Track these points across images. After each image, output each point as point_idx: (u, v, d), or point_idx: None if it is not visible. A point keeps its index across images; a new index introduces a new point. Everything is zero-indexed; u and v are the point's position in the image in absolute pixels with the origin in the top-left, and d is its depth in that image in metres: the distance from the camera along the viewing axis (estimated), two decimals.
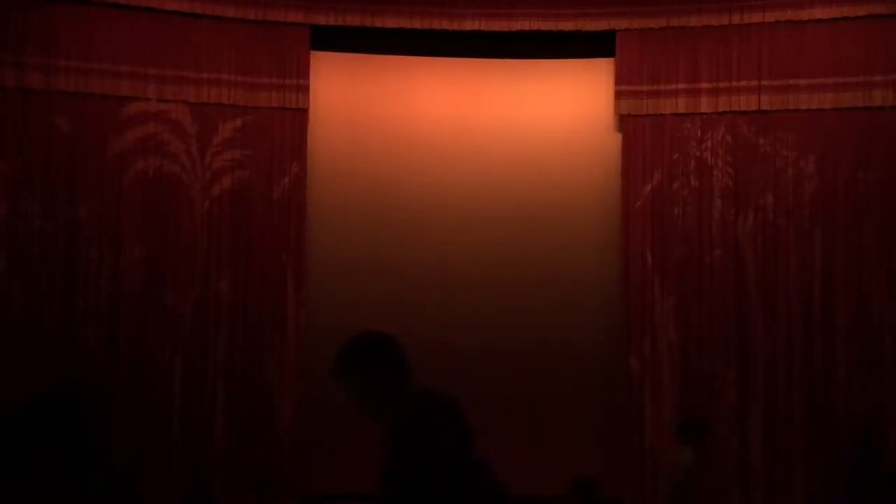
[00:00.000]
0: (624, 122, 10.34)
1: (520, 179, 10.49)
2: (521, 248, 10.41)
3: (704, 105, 10.18)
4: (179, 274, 9.89)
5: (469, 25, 10.30)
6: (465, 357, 10.09)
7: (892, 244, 9.71)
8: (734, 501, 9.75)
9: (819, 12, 9.92)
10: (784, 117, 10.02)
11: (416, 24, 10.28)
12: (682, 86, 10.22)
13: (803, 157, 9.99)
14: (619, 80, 10.31)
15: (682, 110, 10.23)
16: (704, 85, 10.18)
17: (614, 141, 10.44)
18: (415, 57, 10.57)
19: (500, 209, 10.44)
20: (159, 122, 9.96)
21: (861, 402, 9.63)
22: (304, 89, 10.23)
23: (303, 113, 10.26)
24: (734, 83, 10.11)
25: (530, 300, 10.33)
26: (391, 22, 10.28)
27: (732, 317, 9.96)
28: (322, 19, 10.22)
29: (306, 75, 10.25)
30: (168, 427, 9.66)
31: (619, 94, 10.30)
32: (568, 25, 10.29)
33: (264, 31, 10.18)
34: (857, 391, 9.65)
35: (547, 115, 10.60)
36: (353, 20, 10.25)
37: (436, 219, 10.42)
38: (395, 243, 10.36)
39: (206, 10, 10.03)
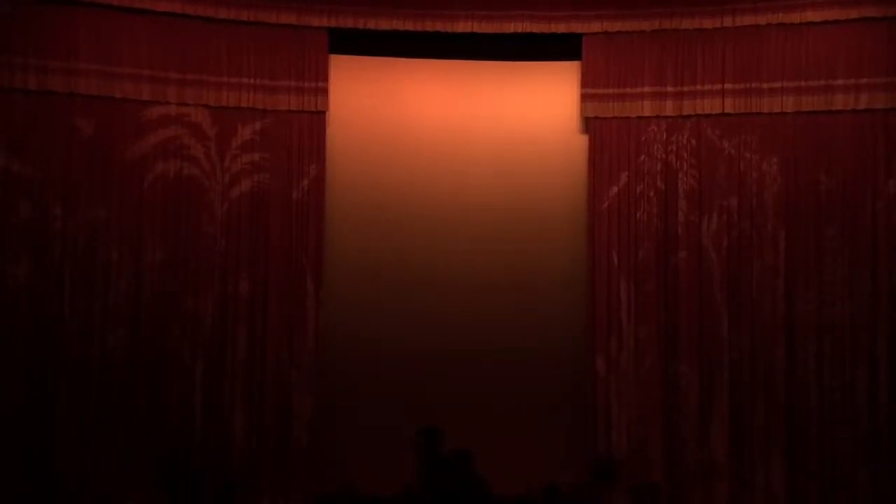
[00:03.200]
0: (590, 124, 10.44)
1: (491, 182, 10.64)
2: (492, 250, 10.56)
3: (669, 108, 10.29)
4: (199, 276, 10.07)
5: (461, 27, 10.42)
6: (434, 357, 10.32)
7: (853, 246, 9.84)
8: (698, 499, 9.88)
9: (781, 17, 9.99)
10: (747, 120, 10.13)
11: (410, 25, 10.40)
12: (647, 89, 10.34)
13: (766, 159, 10.12)
14: (585, 83, 10.42)
15: (647, 113, 10.34)
16: (669, 88, 10.29)
17: (581, 143, 10.53)
18: (421, 59, 10.71)
19: (481, 212, 10.61)
20: (179, 126, 10.13)
21: (823, 401, 9.78)
22: (323, 92, 10.35)
23: (321, 115, 10.38)
24: (698, 87, 10.22)
25: (497, 301, 10.49)
26: (384, 24, 10.39)
27: (697, 317, 10.09)
28: (315, 21, 10.31)
29: (325, 78, 10.36)
30: (189, 428, 9.86)
31: (584, 97, 10.42)
32: (560, 28, 10.41)
33: (283, 34, 10.31)
34: (819, 389, 9.79)
35: (518, 117, 10.73)
36: (346, 22, 10.34)
37: (437, 221, 10.60)
38: (396, 245, 10.53)
39: (226, 14, 10.19)
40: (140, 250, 9.89)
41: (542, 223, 10.59)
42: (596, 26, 10.35)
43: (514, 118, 10.71)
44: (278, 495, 9.84)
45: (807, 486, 9.72)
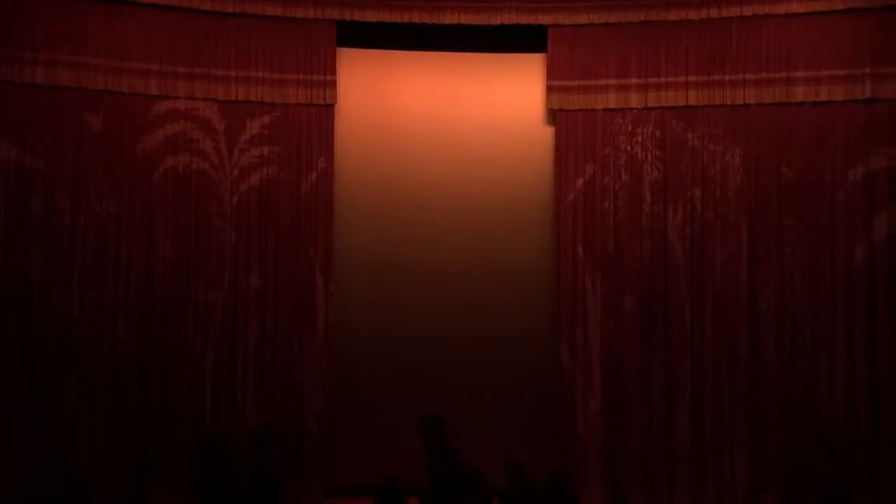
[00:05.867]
0: (556, 116, 10.54)
1: (476, 174, 10.76)
2: (479, 240, 10.68)
3: (634, 100, 10.41)
4: (209, 269, 10.21)
5: (448, 19, 10.51)
6: (439, 350, 10.48)
7: (813, 236, 9.97)
8: (661, 486, 10.03)
9: (741, 10, 10.14)
10: (710, 112, 10.27)
11: (397, 17, 10.49)
12: (612, 81, 10.45)
13: (729, 151, 10.24)
14: (550, 75, 10.53)
15: (612, 105, 10.45)
16: (634, 81, 10.40)
17: (548, 135, 10.63)
18: (410, 52, 10.79)
19: (467, 203, 10.73)
20: (188, 120, 10.25)
21: (784, 389, 9.92)
22: (332, 85, 10.44)
23: (329, 108, 10.46)
24: (662, 79, 10.35)
25: (467, 292, 10.60)
26: (371, 16, 10.48)
27: (661, 307, 10.24)
28: (301, 12, 10.38)
29: (333, 71, 10.45)
30: (200, 419, 9.99)
31: (550, 89, 10.52)
32: (547, 19, 10.49)
33: (291, 27, 10.40)
34: (780, 377, 9.94)
35: (500, 110, 10.83)
36: (333, 14, 10.40)
37: (434, 214, 10.71)
38: (400, 238, 10.65)
39: (233, 8, 10.27)
40: (150, 244, 10.02)
41: (518, 215, 10.70)
42: (583, 18, 10.44)
43: (499, 111, 10.80)
44: (290, 486, 9.91)
45: (767, 472, 9.88)
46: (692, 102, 10.29)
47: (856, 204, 9.89)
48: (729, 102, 10.21)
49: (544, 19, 10.49)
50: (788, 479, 9.83)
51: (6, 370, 9.47)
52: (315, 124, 10.45)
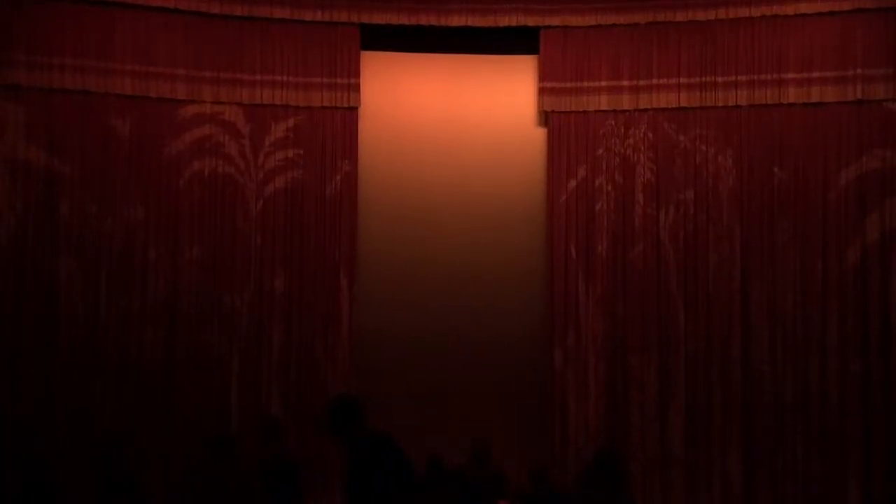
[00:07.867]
0: (548, 118, 10.54)
1: (456, 175, 10.74)
2: (464, 243, 10.67)
3: (626, 102, 10.39)
4: (235, 272, 10.32)
5: (456, 21, 10.52)
6: (452, 351, 10.46)
7: (805, 237, 9.93)
8: (656, 488, 10.04)
9: (733, 12, 10.09)
10: (702, 114, 10.23)
11: (405, 20, 10.49)
12: (604, 83, 10.43)
13: (721, 153, 10.21)
14: (542, 76, 10.52)
15: (604, 107, 10.44)
16: (626, 82, 10.39)
17: (540, 136, 10.63)
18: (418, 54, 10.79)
19: (473, 206, 10.70)
20: (214, 124, 10.37)
21: (776, 391, 9.90)
22: (355, 88, 10.50)
23: (353, 111, 10.51)
24: (654, 81, 10.32)
25: (458, 294, 10.58)
26: (378, 18, 10.49)
27: (654, 309, 10.22)
28: (309, 15, 10.42)
29: (357, 74, 10.52)
30: (226, 422, 10.08)
31: (542, 91, 10.51)
32: (555, 21, 10.47)
33: (315, 31, 10.49)
34: (773, 379, 9.92)
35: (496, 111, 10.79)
36: (341, 17, 10.45)
37: (438, 217, 10.69)
38: (422, 241, 10.64)
39: (258, 12, 10.36)
40: (176, 248, 10.12)
41: (510, 216, 10.68)
42: (591, 20, 10.42)
43: (491, 112, 10.77)
44: (316, 488, 9.95)
45: (761, 473, 9.87)
46: (684, 104, 10.27)
47: (848, 205, 9.84)
48: (721, 104, 10.17)
49: (552, 21, 10.46)
50: (779, 478, 9.83)
51: (34, 373, 9.56)
52: (339, 127, 10.51)
